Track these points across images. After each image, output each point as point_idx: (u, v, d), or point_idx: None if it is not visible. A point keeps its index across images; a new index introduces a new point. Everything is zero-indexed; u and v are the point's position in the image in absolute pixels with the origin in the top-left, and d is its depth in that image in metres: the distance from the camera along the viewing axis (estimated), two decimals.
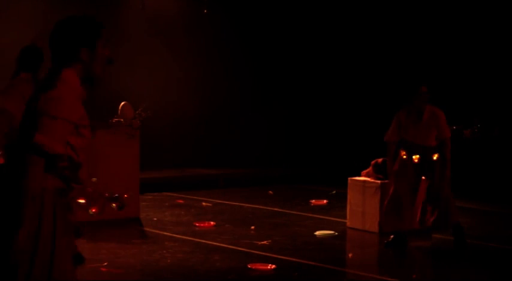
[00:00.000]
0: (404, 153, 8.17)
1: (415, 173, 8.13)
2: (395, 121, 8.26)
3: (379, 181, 9.05)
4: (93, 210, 3.71)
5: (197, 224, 9.38)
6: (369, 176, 9.27)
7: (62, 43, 3.52)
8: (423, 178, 8.09)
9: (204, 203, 11.05)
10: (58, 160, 3.44)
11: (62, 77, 3.47)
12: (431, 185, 8.11)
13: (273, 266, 7.19)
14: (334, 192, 11.92)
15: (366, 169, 9.41)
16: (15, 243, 3.40)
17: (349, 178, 9.47)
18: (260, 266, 7.17)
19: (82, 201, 3.67)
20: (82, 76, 3.55)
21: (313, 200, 11.31)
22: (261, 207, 10.88)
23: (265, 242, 8.35)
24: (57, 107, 3.41)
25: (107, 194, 3.73)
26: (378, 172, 9.16)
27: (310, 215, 10.25)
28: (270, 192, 12.23)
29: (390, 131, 8.29)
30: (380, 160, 9.22)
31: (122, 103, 9.95)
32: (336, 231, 9.03)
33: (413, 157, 8.10)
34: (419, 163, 8.10)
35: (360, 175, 9.44)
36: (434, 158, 8.10)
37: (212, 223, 9.48)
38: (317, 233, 8.93)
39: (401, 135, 8.22)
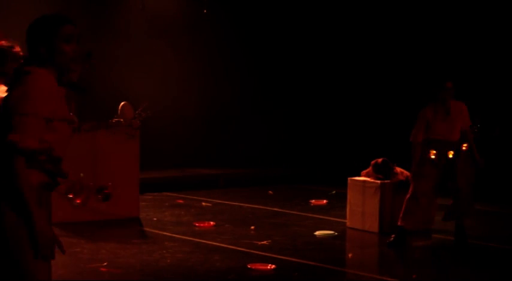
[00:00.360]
0: (434, 152, 8.11)
1: (438, 173, 8.16)
2: (422, 120, 8.16)
3: (379, 181, 9.04)
4: (77, 201, 3.72)
5: (197, 224, 9.38)
6: (368, 176, 9.27)
7: (28, 44, 3.67)
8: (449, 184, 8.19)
9: (204, 203, 11.05)
10: (36, 155, 3.50)
11: (30, 74, 3.56)
12: (453, 180, 8.17)
13: (273, 266, 7.19)
14: (334, 192, 11.92)
15: (365, 169, 9.40)
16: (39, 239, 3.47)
17: (349, 178, 9.46)
18: (260, 266, 7.17)
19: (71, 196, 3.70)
20: (57, 74, 3.63)
21: (313, 200, 11.31)
22: (261, 207, 10.88)
23: (265, 242, 8.35)
24: (25, 103, 3.48)
25: (91, 184, 3.76)
26: (378, 172, 9.15)
27: (310, 215, 10.25)
28: (270, 192, 12.23)
29: (416, 131, 8.19)
30: (380, 159, 9.22)
31: (122, 103, 9.96)
32: (335, 231, 9.03)
33: (448, 152, 8.09)
34: (453, 158, 8.11)
35: (360, 175, 9.44)
36: (464, 148, 8.15)
37: (212, 223, 9.48)
38: (317, 233, 8.93)
39: (426, 134, 8.17)
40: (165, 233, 8.81)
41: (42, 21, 3.69)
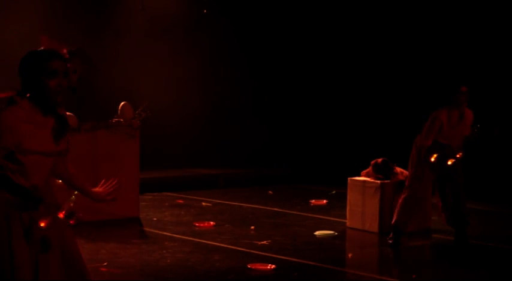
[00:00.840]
0: (435, 156, 8.07)
1: (435, 175, 8.18)
2: (436, 122, 8.07)
3: (378, 181, 9.05)
4: (42, 224, 3.84)
5: (197, 224, 9.38)
6: (368, 176, 9.27)
7: (20, 75, 3.95)
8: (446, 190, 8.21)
9: (204, 203, 11.05)
10: None
11: (11, 104, 3.85)
12: (454, 184, 8.19)
13: (273, 266, 7.19)
14: (334, 192, 11.92)
15: (365, 169, 9.41)
16: None
17: (349, 178, 9.47)
18: (260, 266, 7.18)
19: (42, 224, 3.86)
20: (39, 105, 3.90)
21: (313, 200, 11.31)
22: (261, 207, 10.88)
23: (265, 242, 8.35)
24: None
25: (63, 212, 3.92)
26: (378, 172, 9.16)
27: (310, 215, 10.25)
28: (270, 192, 12.23)
29: (427, 133, 8.10)
30: (380, 159, 9.22)
31: (122, 103, 9.95)
32: (335, 231, 9.03)
33: (449, 161, 8.05)
34: (452, 165, 8.09)
35: (359, 175, 9.44)
36: (458, 156, 8.13)
37: (212, 223, 9.48)
38: (317, 233, 8.93)
39: (434, 137, 8.14)
40: (165, 233, 8.81)
41: (30, 56, 3.94)
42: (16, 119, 3.80)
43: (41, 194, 3.85)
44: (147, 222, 9.57)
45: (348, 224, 9.35)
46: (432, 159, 8.04)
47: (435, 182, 8.32)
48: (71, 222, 3.97)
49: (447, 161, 8.05)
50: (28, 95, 3.87)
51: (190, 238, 8.52)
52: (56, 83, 3.86)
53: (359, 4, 14.88)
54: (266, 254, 7.75)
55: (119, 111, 9.86)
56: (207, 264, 7.30)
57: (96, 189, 4.32)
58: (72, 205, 3.91)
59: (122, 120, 9.85)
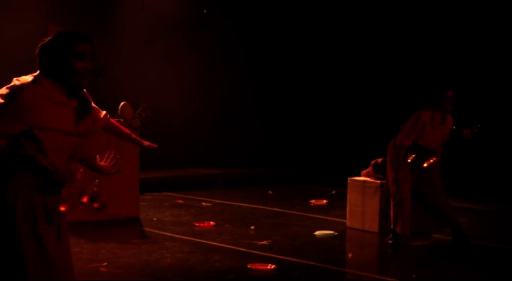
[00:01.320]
0: (412, 157, 8.07)
1: (412, 177, 8.21)
2: (419, 123, 8.07)
3: (378, 181, 9.05)
4: (62, 208, 3.84)
5: (197, 224, 9.38)
6: (368, 176, 9.27)
7: (45, 55, 3.87)
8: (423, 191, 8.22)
9: (203, 203, 11.05)
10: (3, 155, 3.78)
11: (34, 83, 3.80)
12: (431, 186, 8.20)
13: (273, 266, 7.19)
14: (334, 192, 11.93)
15: (365, 169, 9.41)
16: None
17: (348, 178, 9.47)
18: (260, 266, 7.18)
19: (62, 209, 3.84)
20: (64, 86, 3.84)
21: (313, 200, 11.31)
22: (261, 207, 10.88)
23: (265, 242, 8.35)
24: None
25: (86, 196, 3.90)
26: (378, 172, 9.16)
27: (310, 215, 10.26)
28: (270, 192, 12.23)
29: (407, 133, 8.12)
30: (380, 159, 9.22)
31: (122, 103, 9.95)
32: (335, 231, 9.03)
33: (425, 164, 8.06)
34: (427, 167, 8.10)
35: (359, 175, 9.44)
36: (431, 161, 8.12)
37: (212, 223, 9.48)
38: (317, 233, 8.93)
39: (414, 138, 8.14)
40: (165, 233, 8.81)
41: (59, 36, 3.87)
42: (36, 95, 3.74)
43: (63, 176, 3.84)
44: (147, 222, 9.57)
45: (347, 224, 9.35)
46: (409, 160, 8.06)
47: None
48: (95, 205, 3.96)
49: (423, 163, 8.07)
50: (52, 75, 3.81)
51: (190, 238, 8.52)
52: (83, 66, 3.82)
53: (360, 5, 14.88)
54: (266, 254, 7.75)
55: (118, 111, 9.86)
56: (207, 264, 7.30)
57: (101, 163, 4.43)
58: (96, 189, 3.91)
59: (121, 120, 9.84)
